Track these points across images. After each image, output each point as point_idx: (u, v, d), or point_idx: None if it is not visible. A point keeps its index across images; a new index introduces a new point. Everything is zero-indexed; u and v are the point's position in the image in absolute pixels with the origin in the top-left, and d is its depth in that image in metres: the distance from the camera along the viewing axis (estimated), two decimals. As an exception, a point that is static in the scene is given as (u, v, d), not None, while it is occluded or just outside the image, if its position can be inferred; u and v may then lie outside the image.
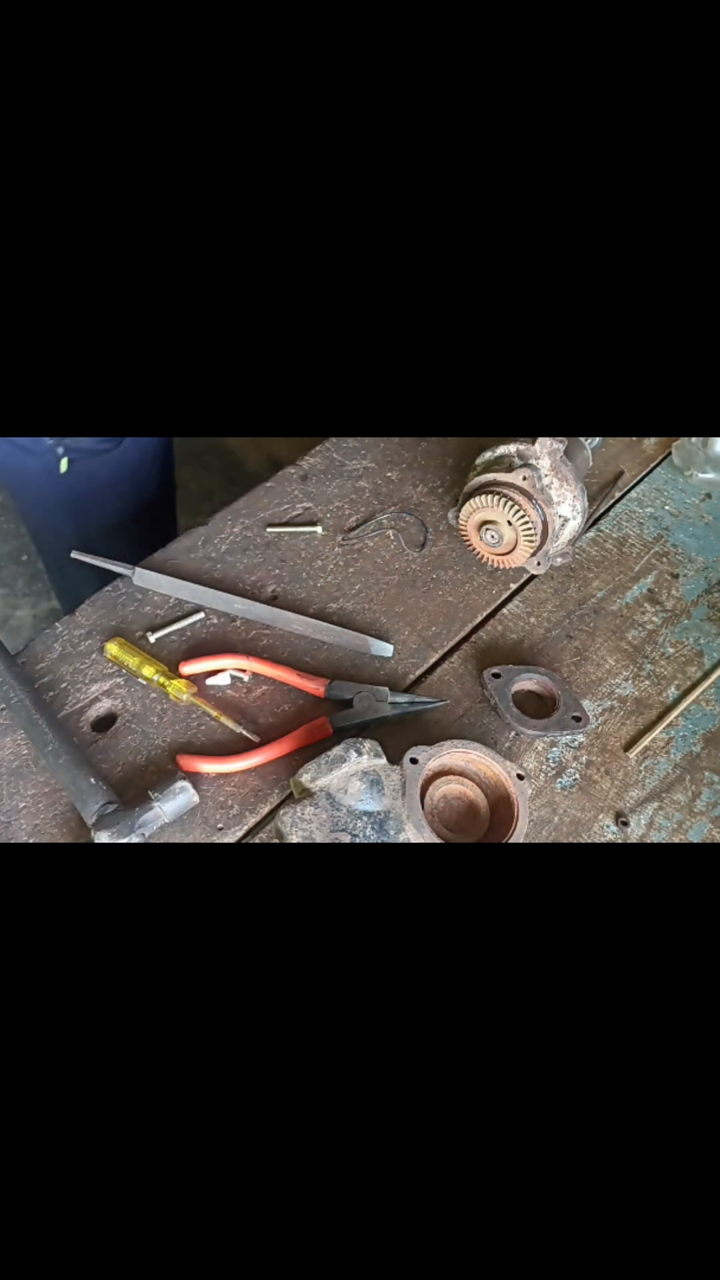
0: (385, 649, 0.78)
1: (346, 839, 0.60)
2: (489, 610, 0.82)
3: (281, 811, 0.62)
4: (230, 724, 0.70)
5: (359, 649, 0.77)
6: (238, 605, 0.78)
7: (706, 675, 0.80)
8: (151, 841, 0.64)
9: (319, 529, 0.85)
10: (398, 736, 0.72)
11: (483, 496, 0.77)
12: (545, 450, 0.76)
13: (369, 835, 0.61)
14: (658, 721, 0.77)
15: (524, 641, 0.80)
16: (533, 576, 0.85)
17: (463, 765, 0.68)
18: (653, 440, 0.98)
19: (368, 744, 0.64)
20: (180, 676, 0.73)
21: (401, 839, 0.61)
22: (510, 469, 0.77)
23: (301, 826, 0.61)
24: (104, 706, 0.72)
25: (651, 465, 0.96)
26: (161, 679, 0.71)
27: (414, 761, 0.65)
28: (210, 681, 0.74)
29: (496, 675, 0.75)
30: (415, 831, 0.61)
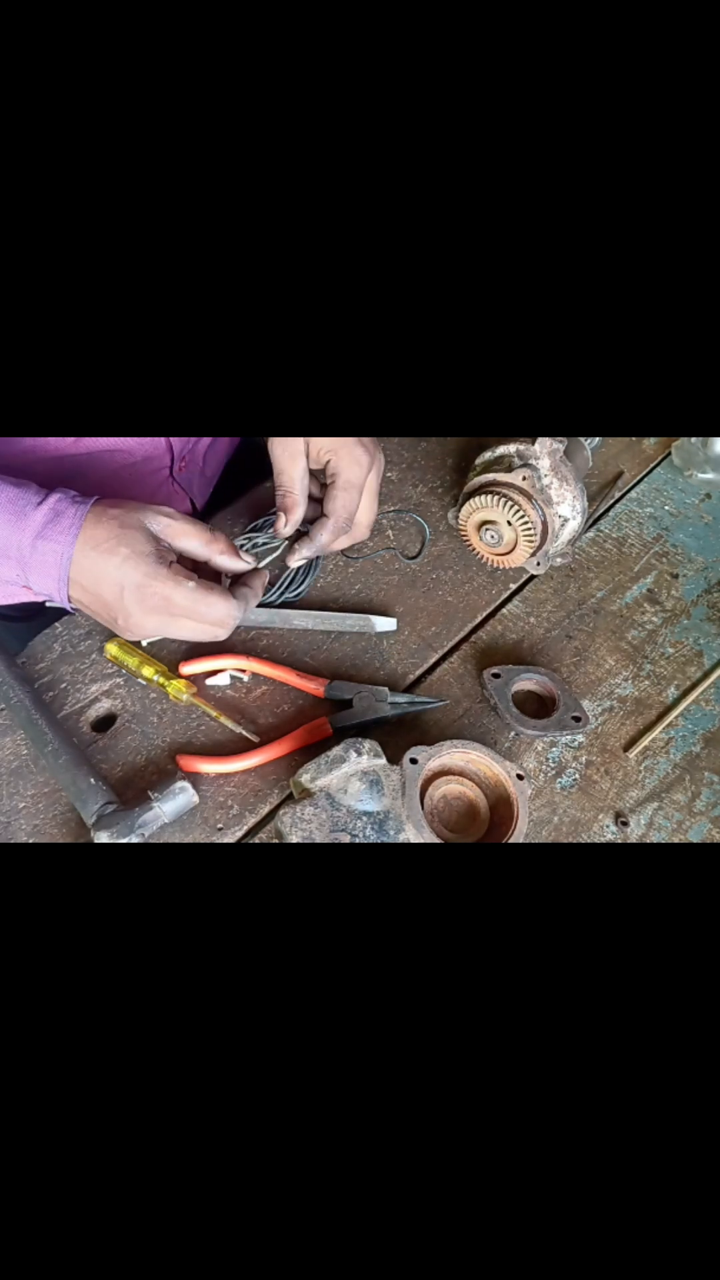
0: (388, 624, 0.78)
1: (346, 839, 0.60)
2: (489, 610, 0.82)
3: (281, 811, 0.62)
4: (230, 724, 0.70)
5: (362, 629, 0.77)
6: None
7: (706, 675, 0.80)
8: (151, 841, 0.64)
9: None
10: (398, 736, 0.72)
11: (483, 496, 0.77)
12: (545, 450, 0.76)
13: (369, 835, 0.61)
14: (658, 721, 0.77)
15: (524, 641, 0.80)
16: (533, 576, 0.85)
17: (462, 765, 0.68)
18: (653, 440, 0.98)
19: (368, 744, 0.64)
20: (180, 676, 0.73)
21: (401, 839, 0.61)
22: (510, 469, 0.77)
23: (301, 826, 0.61)
24: (104, 706, 0.72)
25: (651, 465, 0.96)
26: (161, 679, 0.71)
27: (414, 761, 0.65)
28: (210, 681, 0.74)
29: (496, 675, 0.75)
30: (415, 831, 0.61)
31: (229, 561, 0.66)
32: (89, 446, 0.78)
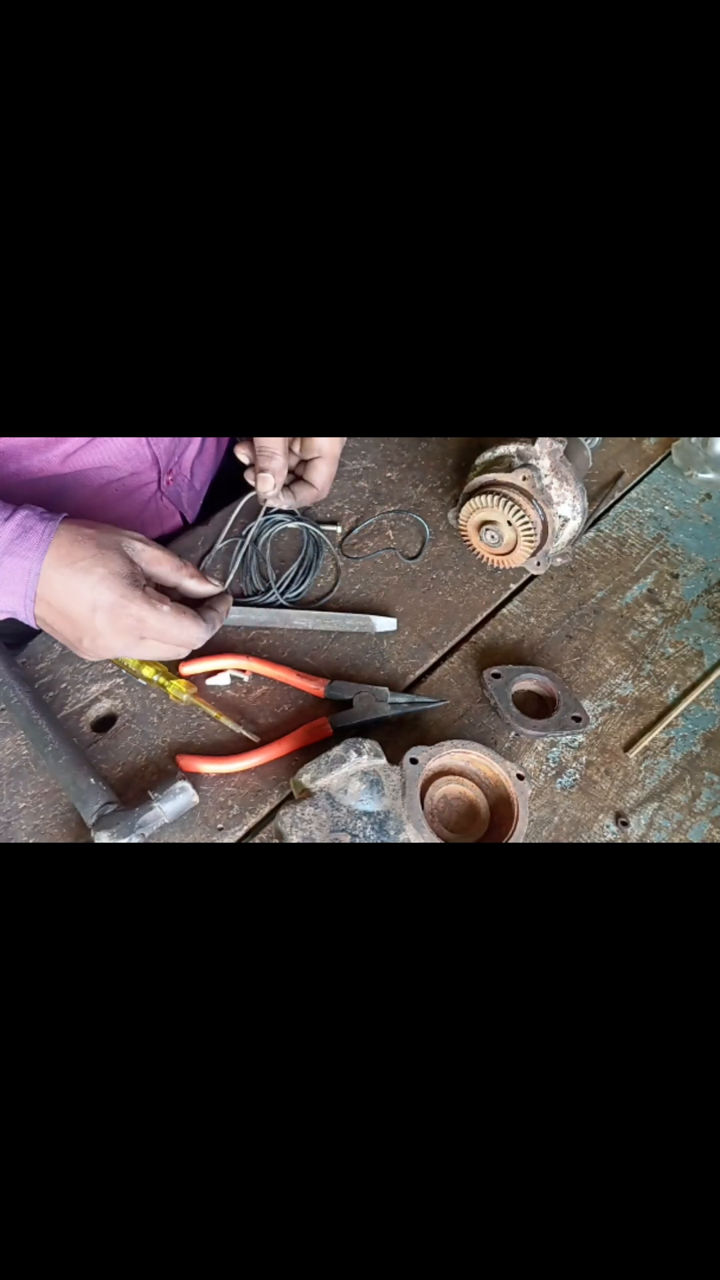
0: (388, 624, 0.78)
1: (346, 839, 0.60)
2: (489, 610, 0.82)
3: (281, 811, 0.62)
4: (230, 724, 0.70)
5: (363, 629, 0.78)
6: (235, 615, 0.78)
7: (706, 675, 0.80)
8: (151, 841, 0.64)
9: (339, 528, 0.85)
10: (398, 736, 0.72)
11: (483, 496, 0.77)
12: (545, 450, 0.76)
13: (369, 835, 0.61)
14: (658, 721, 0.77)
15: (524, 641, 0.80)
16: (533, 576, 0.85)
17: (463, 765, 0.68)
18: (653, 440, 0.98)
19: (368, 744, 0.64)
20: (180, 676, 0.73)
21: (401, 839, 0.61)
22: (510, 469, 0.77)
23: (301, 826, 0.61)
24: (104, 706, 0.72)
25: (651, 465, 0.96)
26: (161, 679, 0.71)
27: (414, 761, 0.65)
28: (210, 681, 0.74)
29: (496, 675, 0.75)
30: (415, 831, 0.61)
31: (198, 585, 0.68)
32: (75, 465, 0.78)
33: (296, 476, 0.80)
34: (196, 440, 0.92)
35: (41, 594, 0.61)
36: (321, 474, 0.78)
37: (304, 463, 0.79)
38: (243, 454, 0.78)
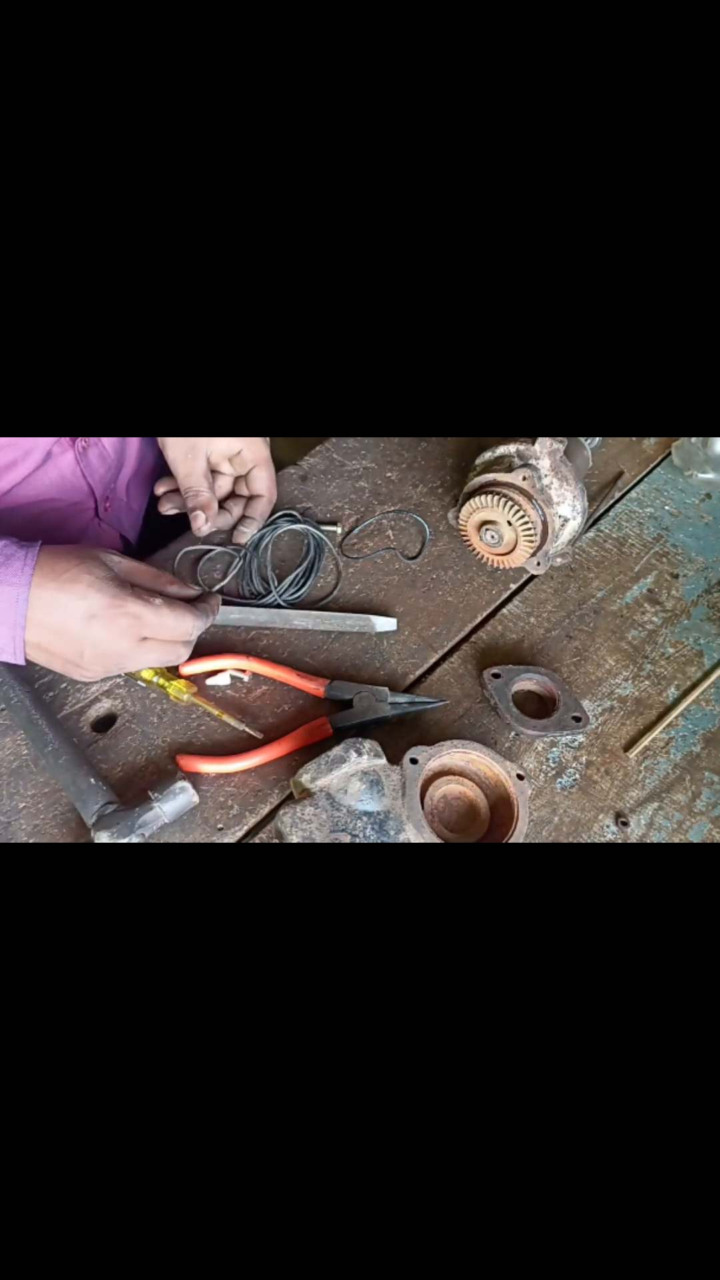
0: (388, 624, 0.78)
1: (346, 839, 0.60)
2: (489, 610, 0.82)
3: (281, 811, 0.62)
4: (233, 722, 0.70)
5: (363, 629, 0.78)
6: (234, 615, 0.78)
7: (706, 675, 0.80)
8: (151, 841, 0.64)
9: (339, 528, 0.85)
10: (398, 736, 0.72)
11: (483, 496, 0.77)
12: (545, 450, 0.76)
13: (369, 835, 0.61)
14: (658, 721, 0.77)
15: (524, 641, 0.80)
16: (533, 576, 0.85)
17: (463, 765, 0.68)
18: (653, 440, 0.98)
19: (368, 744, 0.64)
20: (180, 677, 0.73)
21: (401, 839, 0.61)
22: (510, 469, 0.77)
23: (301, 826, 0.61)
24: (104, 706, 0.72)
25: (651, 465, 0.96)
26: (161, 679, 0.71)
27: (414, 761, 0.65)
28: (210, 682, 0.74)
29: (496, 675, 0.75)
30: (415, 831, 0.61)
31: (180, 590, 0.68)
32: (10, 502, 0.79)
33: (246, 498, 0.82)
34: (132, 462, 0.92)
35: (33, 616, 0.60)
36: (263, 481, 0.81)
37: (241, 478, 0.82)
38: (169, 508, 0.80)
